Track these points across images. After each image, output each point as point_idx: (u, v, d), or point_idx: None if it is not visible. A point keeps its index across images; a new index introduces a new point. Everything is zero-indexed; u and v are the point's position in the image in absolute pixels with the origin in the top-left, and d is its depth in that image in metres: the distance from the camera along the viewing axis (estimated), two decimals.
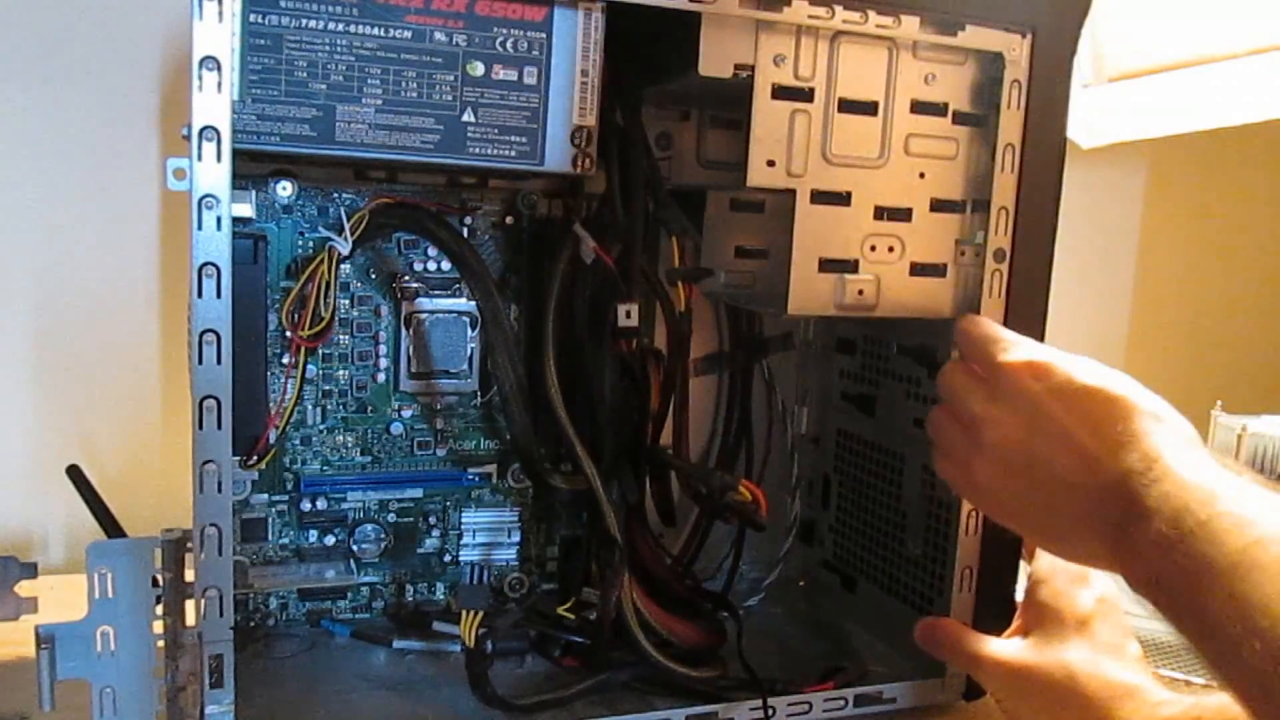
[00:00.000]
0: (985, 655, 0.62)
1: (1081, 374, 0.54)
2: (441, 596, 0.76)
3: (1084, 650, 0.59)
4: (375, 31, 0.55)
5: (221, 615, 0.53)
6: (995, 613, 0.67)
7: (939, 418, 0.60)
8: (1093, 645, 0.59)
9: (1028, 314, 0.65)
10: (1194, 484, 0.46)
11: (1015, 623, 0.64)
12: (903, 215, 0.64)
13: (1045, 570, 0.63)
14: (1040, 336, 0.66)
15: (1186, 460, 0.47)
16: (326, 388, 0.71)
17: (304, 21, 0.54)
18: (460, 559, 0.76)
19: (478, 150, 0.58)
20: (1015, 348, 0.57)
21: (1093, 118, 1.07)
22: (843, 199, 0.63)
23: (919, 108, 0.64)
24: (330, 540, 0.73)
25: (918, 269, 0.65)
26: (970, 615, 0.68)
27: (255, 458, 0.65)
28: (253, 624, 0.72)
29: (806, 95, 0.61)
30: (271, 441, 0.66)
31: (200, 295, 0.50)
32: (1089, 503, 0.50)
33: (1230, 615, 0.41)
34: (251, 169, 0.66)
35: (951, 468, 0.59)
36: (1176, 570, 0.44)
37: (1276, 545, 0.41)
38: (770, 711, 0.64)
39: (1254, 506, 0.43)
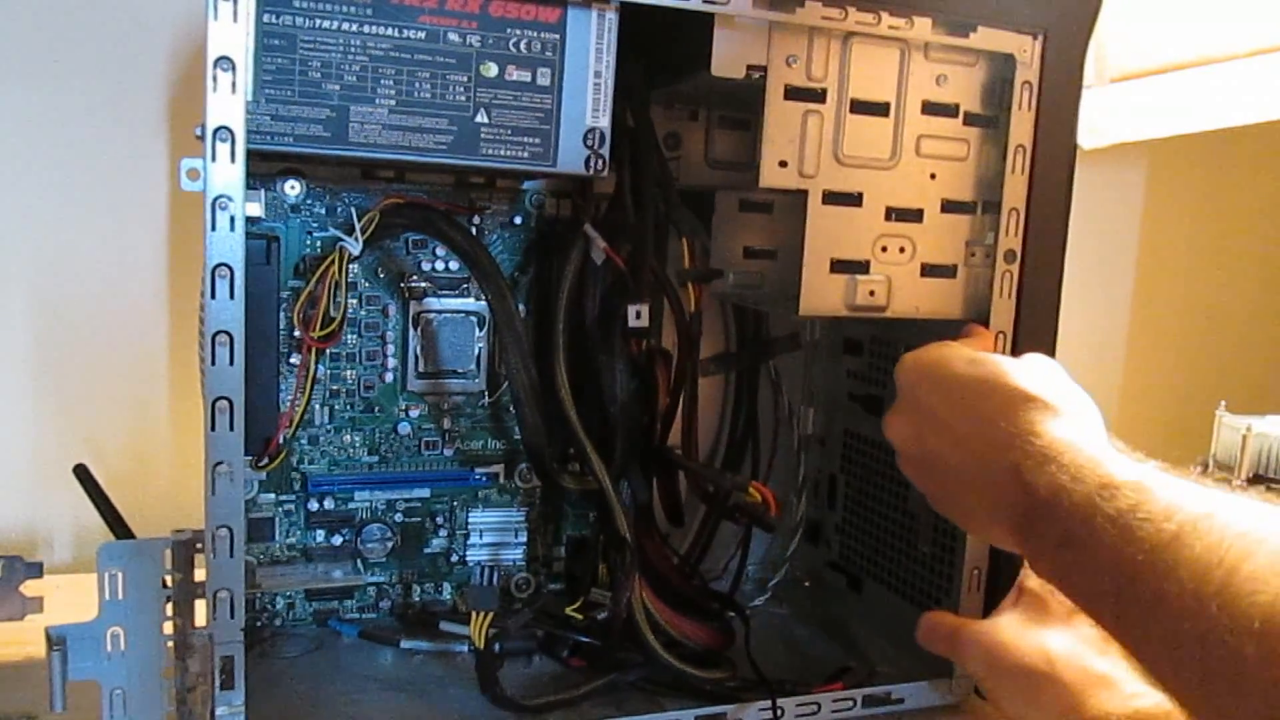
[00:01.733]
0: (964, 635, 0.61)
1: (966, 367, 0.53)
2: (448, 596, 0.76)
3: (1066, 639, 0.58)
4: (389, 32, 0.55)
5: (233, 617, 0.53)
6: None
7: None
8: (1076, 635, 0.58)
9: (1038, 315, 0.65)
10: (1096, 476, 0.44)
11: (1005, 603, 0.64)
12: (914, 216, 0.65)
13: None
14: (1052, 337, 0.66)
15: (1083, 450, 0.46)
16: (334, 387, 0.71)
17: (318, 22, 0.54)
18: (467, 559, 0.76)
19: (491, 151, 0.58)
20: (918, 350, 0.57)
21: (1094, 118, 1.07)
22: (854, 200, 0.63)
23: (930, 109, 0.64)
24: (337, 540, 0.73)
25: (928, 270, 0.65)
26: (979, 615, 0.68)
27: (267, 459, 0.65)
28: (260, 624, 0.72)
29: (819, 96, 0.61)
30: (282, 442, 0.65)
31: (214, 296, 0.50)
32: (989, 494, 0.50)
33: (1159, 616, 0.39)
34: (260, 168, 0.66)
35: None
36: (1087, 566, 0.43)
37: (1197, 540, 0.39)
38: (779, 712, 0.64)
39: (1166, 496, 0.41)
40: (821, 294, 0.63)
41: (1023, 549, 0.49)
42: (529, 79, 0.58)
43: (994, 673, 0.60)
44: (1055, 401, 0.49)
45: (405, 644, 0.70)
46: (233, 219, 0.50)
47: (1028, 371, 0.51)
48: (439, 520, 0.75)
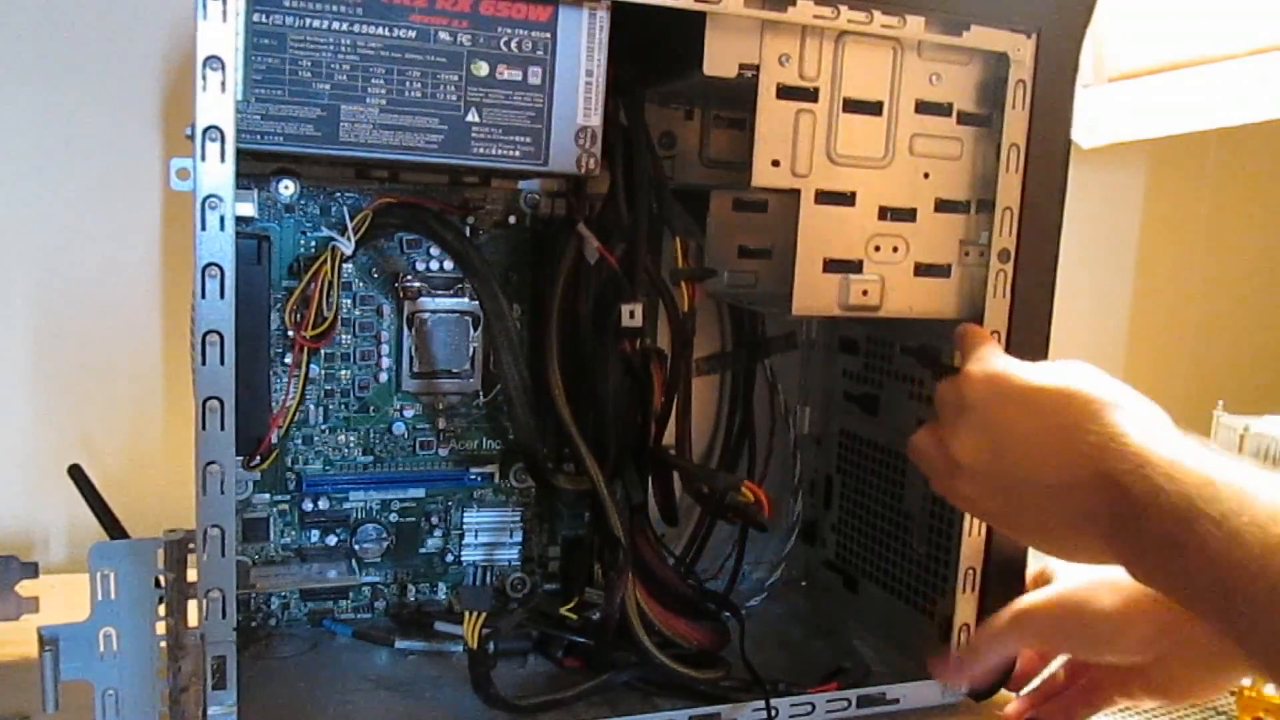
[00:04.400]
0: (984, 631, 0.63)
1: (1036, 378, 0.53)
2: (443, 597, 0.76)
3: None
4: (380, 31, 0.55)
5: (224, 616, 0.53)
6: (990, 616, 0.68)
7: (918, 440, 0.60)
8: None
9: (1032, 315, 0.65)
10: (1193, 476, 0.45)
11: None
12: (907, 215, 0.64)
13: None
14: (1045, 337, 0.66)
15: (1170, 451, 0.46)
16: (328, 387, 0.71)
17: (308, 21, 0.54)
18: (462, 559, 0.76)
19: (482, 150, 0.58)
20: (978, 361, 0.57)
21: (1093, 117, 1.07)
22: (847, 199, 0.63)
23: (924, 108, 0.63)
24: (332, 540, 0.73)
25: (922, 269, 0.65)
26: (974, 615, 0.68)
27: (258, 459, 0.65)
28: (254, 624, 0.72)
29: (811, 95, 0.61)
30: (274, 442, 0.66)
31: (204, 296, 0.50)
32: (1072, 506, 0.50)
33: (1274, 615, 0.40)
34: (253, 167, 0.66)
35: (940, 486, 0.59)
36: (1190, 568, 0.44)
37: None
38: (773, 712, 0.64)
39: (1267, 497, 0.42)
40: (815, 294, 0.63)
41: (1114, 556, 0.49)
42: (520, 78, 0.57)
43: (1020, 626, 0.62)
44: (1131, 405, 0.49)
45: (400, 644, 0.70)
46: (223, 218, 0.50)
47: (1093, 378, 0.51)
48: (434, 520, 0.75)
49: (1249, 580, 0.41)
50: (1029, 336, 0.65)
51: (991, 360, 0.57)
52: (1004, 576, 0.68)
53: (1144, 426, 0.48)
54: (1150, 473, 0.46)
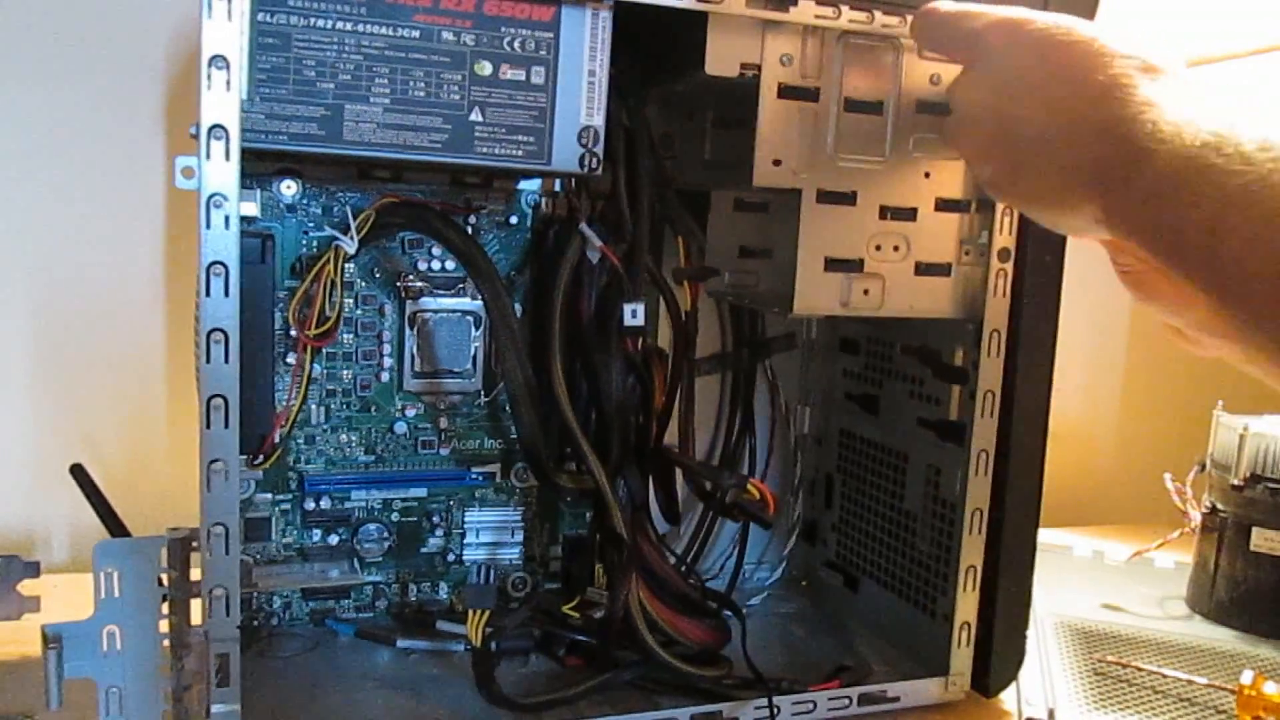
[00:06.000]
0: None
1: (1053, 25, 0.50)
2: (445, 596, 0.76)
3: None
4: (383, 31, 0.55)
5: (228, 614, 0.53)
6: (1000, 611, 0.68)
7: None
8: None
9: (1035, 313, 0.65)
10: (1195, 129, 0.42)
11: None
12: (908, 215, 0.64)
13: None
14: (1052, 336, 0.66)
15: (1183, 99, 0.44)
16: (330, 387, 0.71)
17: (313, 20, 0.54)
18: (464, 558, 0.76)
19: (485, 150, 0.58)
20: (984, 14, 0.53)
21: None
22: (848, 199, 0.63)
23: (924, 107, 0.64)
24: (334, 539, 0.73)
25: (923, 268, 0.65)
26: (975, 613, 0.68)
27: (262, 457, 0.65)
28: (256, 623, 0.72)
29: (812, 95, 0.61)
30: (277, 441, 0.66)
31: (208, 294, 0.50)
32: (1071, 154, 0.47)
33: (1268, 239, 0.38)
34: (256, 167, 0.66)
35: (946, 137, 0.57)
36: (1183, 224, 0.41)
37: None
38: (775, 710, 0.64)
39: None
40: (816, 293, 0.63)
41: (1108, 215, 0.46)
42: (523, 77, 0.58)
43: None
44: (1156, 60, 0.46)
45: (402, 643, 0.70)
46: (227, 217, 0.50)
47: (1124, 33, 0.48)
48: (436, 520, 0.75)
49: (1236, 204, 0.39)
50: (1033, 336, 0.65)
51: (999, 11, 0.53)
52: (1003, 575, 0.68)
53: (1163, 82, 0.45)
54: (1153, 123, 0.44)
